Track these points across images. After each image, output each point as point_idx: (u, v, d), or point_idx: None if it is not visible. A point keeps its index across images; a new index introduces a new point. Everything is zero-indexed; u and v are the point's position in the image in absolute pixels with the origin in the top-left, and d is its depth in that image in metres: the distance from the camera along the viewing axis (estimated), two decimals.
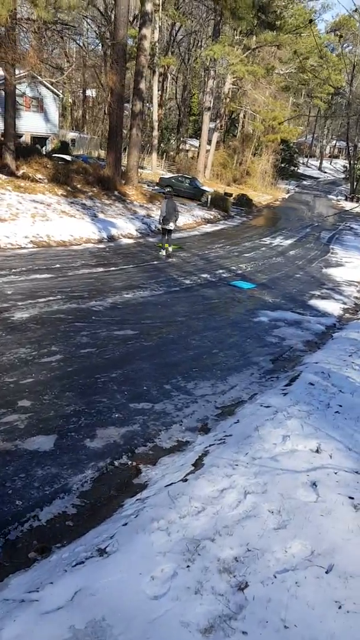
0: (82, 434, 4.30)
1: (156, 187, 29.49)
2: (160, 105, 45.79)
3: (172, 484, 3.54)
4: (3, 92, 21.56)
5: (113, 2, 26.29)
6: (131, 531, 3.01)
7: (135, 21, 37.19)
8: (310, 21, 22.80)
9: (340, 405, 5.12)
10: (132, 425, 4.56)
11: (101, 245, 14.87)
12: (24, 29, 20.76)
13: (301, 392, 5.49)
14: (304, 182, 59.97)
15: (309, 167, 73.91)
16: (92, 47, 49.44)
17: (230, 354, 6.94)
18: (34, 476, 3.66)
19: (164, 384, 5.56)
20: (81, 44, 46.95)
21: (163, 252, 14.51)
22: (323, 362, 6.65)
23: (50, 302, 8.06)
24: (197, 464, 3.85)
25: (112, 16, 26.33)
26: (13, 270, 10.07)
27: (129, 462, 4.01)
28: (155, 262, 13.08)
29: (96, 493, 3.61)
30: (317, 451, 4.08)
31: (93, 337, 6.68)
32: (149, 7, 25.36)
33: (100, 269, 11.34)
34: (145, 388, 5.37)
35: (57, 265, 11.08)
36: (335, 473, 3.76)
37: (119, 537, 2.96)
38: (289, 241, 20.72)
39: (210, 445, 4.23)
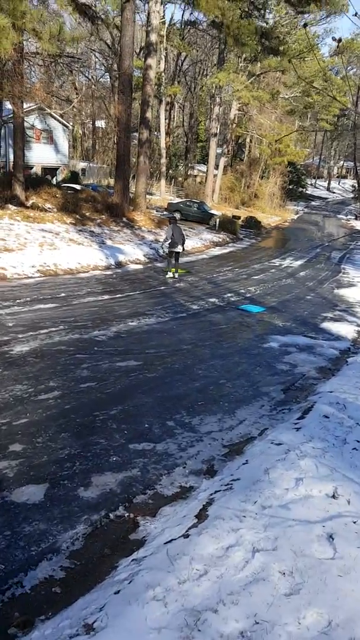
0: (76, 481, 3.95)
1: (165, 212, 29.61)
2: (167, 133, 46.38)
3: (172, 540, 3.18)
4: (12, 125, 21.86)
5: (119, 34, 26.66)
6: (123, 601, 2.64)
7: (142, 52, 37.85)
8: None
9: (358, 441, 4.73)
10: (130, 469, 4.21)
11: (108, 272, 14.71)
12: (31, 63, 21.13)
13: (315, 427, 5.11)
14: (313, 203, 59.93)
15: (317, 187, 74.00)
16: (101, 79, 50.43)
17: (239, 384, 6.59)
18: (20, 534, 3.31)
19: (167, 421, 5.21)
20: (90, 77, 47.96)
21: (170, 275, 14.47)
22: (338, 391, 6.26)
23: (52, 333, 7.80)
24: (201, 516, 3.48)
25: (119, 48, 26.70)
26: (17, 300, 9.88)
27: (126, 514, 3.65)
28: (162, 288, 12.84)
29: (88, 552, 3.24)
30: (333, 496, 3.69)
31: (94, 370, 6.37)
32: (153, 37, 25.73)
33: (106, 297, 11.12)
34: (146, 426, 5.03)
35: (63, 294, 10.88)
36: (354, 522, 3.37)
37: (109, 609, 2.60)
38: (299, 262, 20.42)
39: (215, 492, 3.86)
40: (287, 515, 3.43)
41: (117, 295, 11.36)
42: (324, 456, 4.34)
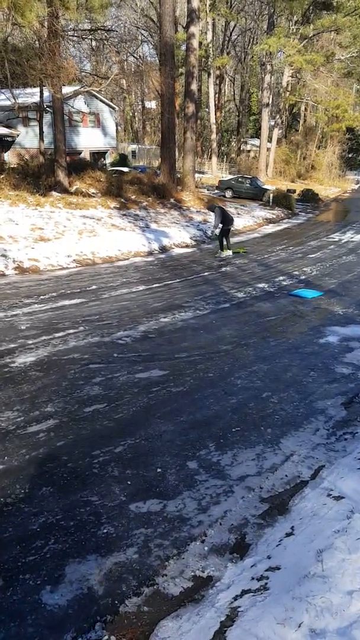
0: (43, 574, 2.79)
1: (216, 191, 28.27)
2: (218, 108, 44.45)
3: None
4: (52, 111, 21.10)
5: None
6: None
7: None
8: None
9: None
10: (125, 549, 3.01)
11: (150, 258, 13.60)
12: (66, 39, 20.04)
13: None
14: None
15: None
16: (149, 58, 48.83)
17: (287, 397, 5.23)
18: None
19: (188, 460, 3.97)
20: (137, 56, 46.54)
21: (228, 253, 13.95)
22: None
23: (68, 336, 6.73)
24: None
25: (159, 17, 25.23)
26: (41, 297, 8.92)
27: (104, 638, 2.47)
28: (205, 274, 11.54)
29: None
30: None
31: (107, 386, 5.22)
32: (195, 3, 24.03)
33: (141, 287, 9.97)
34: (159, 470, 3.81)
35: (93, 287, 9.84)
36: None
37: None
38: None
39: (243, 594, 2.61)
40: None
41: (154, 285, 10.18)
42: None
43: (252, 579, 2.73)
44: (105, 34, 23.16)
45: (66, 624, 2.51)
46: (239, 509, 3.43)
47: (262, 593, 2.58)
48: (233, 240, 15.56)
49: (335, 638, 2.24)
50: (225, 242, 14.11)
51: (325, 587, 2.53)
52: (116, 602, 2.65)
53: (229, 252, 14.02)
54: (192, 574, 2.87)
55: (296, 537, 3.03)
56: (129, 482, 3.64)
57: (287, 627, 2.30)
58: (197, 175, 29.02)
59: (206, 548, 3.06)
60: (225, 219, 13.82)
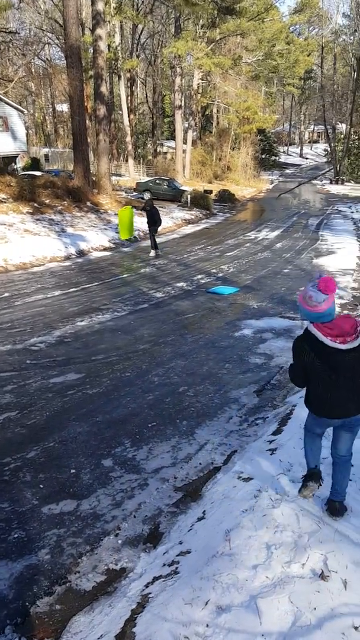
0: None
1: (134, 193, 28.21)
2: (131, 110, 44.44)
3: None
4: None
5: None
6: None
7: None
8: None
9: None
10: (37, 551, 2.98)
11: (67, 263, 13.39)
12: None
13: (295, 445, 3.93)
14: (287, 171, 58.42)
15: (290, 155, 72.33)
16: (58, 61, 48.04)
17: (202, 390, 5.37)
18: None
19: (103, 458, 3.98)
20: (45, 59, 45.59)
21: (152, 253, 14.18)
22: None
23: None
24: (124, 637, 2.29)
25: (63, 20, 24.89)
26: None
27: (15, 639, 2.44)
28: (124, 276, 11.55)
29: None
30: (321, 576, 2.51)
31: (19, 393, 5.12)
32: (100, 6, 23.96)
33: (57, 292, 9.81)
34: (73, 471, 3.79)
35: (5, 295, 9.55)
36: (357, 628, 2.20)
37: None
38: (275, 233, 19.18)
39: (154, 581, 2.66)
40: (254, 627, 2.24)
41: (71, 290, 10.06)
42: (307, 499, 3.15)
43: (164, 565, 2.80)
44: (9, 36, 22.57)
45: None
46: (153, 500, 3.49)
47: (172, 577, 2.65)
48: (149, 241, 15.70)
49: (240, 611, 2.35)
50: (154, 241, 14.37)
51: (232, 564, 2.64)
52: (27, 603, 2.62)
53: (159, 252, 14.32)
54: (106, 567, 2.89)
55: (207, 520, 3.13)
56: (41, 486, 3.60)
57: (194, 607, 2.38)
58: (114, 177, 28.92)
59: (120, 541, 3.09)
60: (158, 219, 14.34)
